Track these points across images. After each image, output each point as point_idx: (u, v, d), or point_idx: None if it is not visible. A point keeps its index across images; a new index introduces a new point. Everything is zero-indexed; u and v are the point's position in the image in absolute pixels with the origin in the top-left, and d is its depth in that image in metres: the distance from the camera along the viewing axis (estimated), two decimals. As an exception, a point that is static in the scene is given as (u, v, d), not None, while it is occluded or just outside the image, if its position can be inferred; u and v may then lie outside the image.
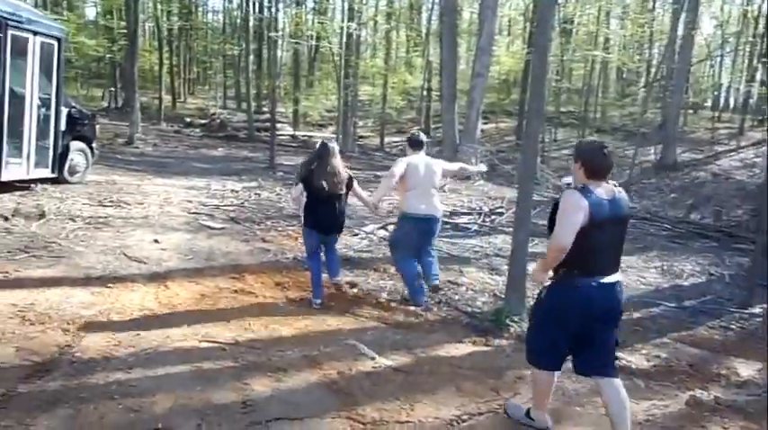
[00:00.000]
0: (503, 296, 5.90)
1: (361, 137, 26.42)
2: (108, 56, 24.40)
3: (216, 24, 39.74)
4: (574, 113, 29.19)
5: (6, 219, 6.68)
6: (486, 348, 4.60)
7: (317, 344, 4.15)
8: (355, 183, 5.19)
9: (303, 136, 27.04)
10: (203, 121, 25.40)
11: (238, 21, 34.27)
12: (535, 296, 3.27)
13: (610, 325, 3.05)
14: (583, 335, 2.99)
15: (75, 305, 4.36)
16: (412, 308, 5.22)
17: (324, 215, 4.98)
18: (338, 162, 4.99)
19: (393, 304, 5.31)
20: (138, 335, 3.95)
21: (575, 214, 2.84)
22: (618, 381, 3.03)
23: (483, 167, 9.77)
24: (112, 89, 25.77)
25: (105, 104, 25.34)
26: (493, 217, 10.59)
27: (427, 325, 4.92)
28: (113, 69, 27.59)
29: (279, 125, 21.30)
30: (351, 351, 4.13)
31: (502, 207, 11.81)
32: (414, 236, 5.29)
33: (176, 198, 9.32)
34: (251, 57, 29.62)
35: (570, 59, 28.78)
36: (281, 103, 29.28)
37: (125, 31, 18.49)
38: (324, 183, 4.85)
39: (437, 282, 5.53)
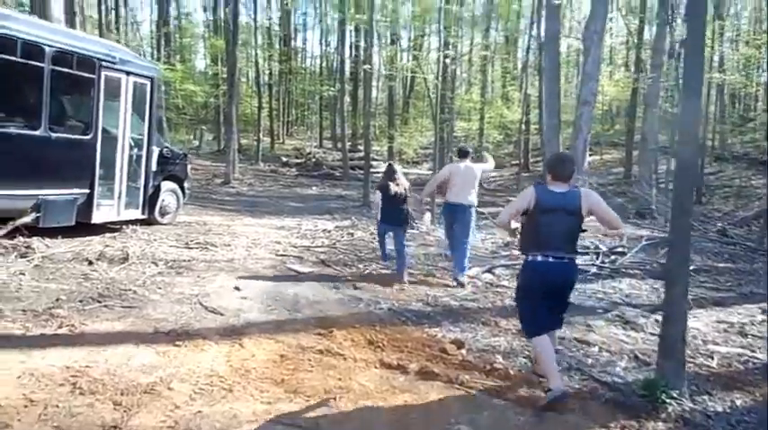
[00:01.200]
0: (647, 360, 4.71)
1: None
2: (212, 100, 25.40)
3: (313, 69, 40.97)
4: (689, 142, 26.78)
5: (90, 263, 6.35)
6: (640, 436, 3.46)
7: (419, 431, 3.20)
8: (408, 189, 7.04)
9: (398, 173, 26.60)
10: (299, 161, 25.64)
11: (334, 63, 35.03)
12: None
13: (560, 292, 3.92)
14: (547, 300, 3.84)
15: (135, 369, 3.71)
16: (535, 377, 4.15)
17: (392, 213, 6.88)
18: (400, 176, 7.05)
19: (511, 370, 4.26)
20: (200, 413, 3.19)
21: (521, 200, 3.89)
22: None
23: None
24: (204, 127, 26.68)
25: (196, 143, 26.09)
26: (613, 257, 9.23)
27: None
28: (217, 115, 28.77)
29: (374, 163, 20.90)
30: (464, 442, 3.16)
31: (622, 245, 10.38)
32: (449, 221, 7.12)
33: (265, 239, 8.83)
34: (346, 97, 30.03)
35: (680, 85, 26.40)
36: (376, 142, 29.14)
37: (226, 76, 18.97)
38: (392, 189, 6.82)
39: (462, 278, 6.87)
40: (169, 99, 26.95)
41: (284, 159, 26.07)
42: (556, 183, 3.83)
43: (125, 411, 3.15)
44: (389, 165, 7.35)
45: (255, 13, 29.74)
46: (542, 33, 19.72)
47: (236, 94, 15.96)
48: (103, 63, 7.30)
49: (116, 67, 7.53)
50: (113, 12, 28.47)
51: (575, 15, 33.15)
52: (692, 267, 6.39)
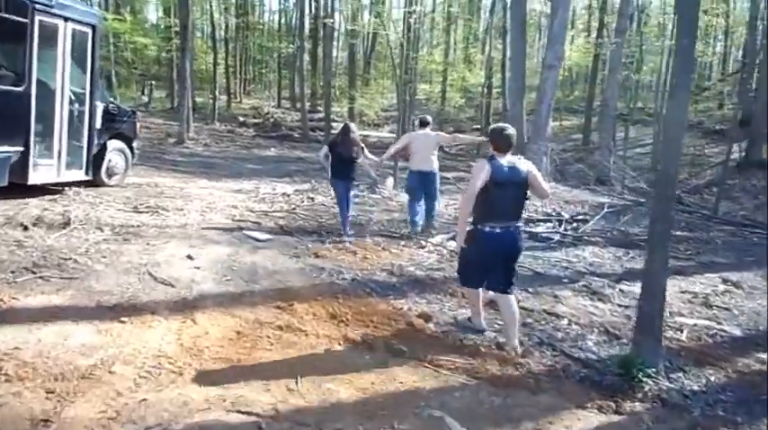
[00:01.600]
0: (617, 333, 4.62)
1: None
2: (164, 54, 24.10)
3: (272, 24, 39.44)
4: (644, 109, 27.10)
5: (26, 228, 5.82)
6: (617, 417, 3.33)
7: (388, 417, 2.97)
8: (365, 151, 7.30)
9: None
10: (257, 121, 24.78)
11: (294, 20, 33.77)
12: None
13: (511, 259, 4.15)
14: (492, 265, 4.09)
15: (73, 350, 3.34)
16: (506, 352, 3.98)
17: (341, 169, 7.06)
18: (355, 136, 7.10)
19: (482, 347, 4.08)
20: (145, 401, 2.87)
21: (477, 180, 3.92)
22: (511, 297, 4.15)
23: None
24: (154, 83, 25.38)
25: (146, 100, 24.82)
26: (575, 224, 9.18)
27: (532, 379, 3.65)
28: (170, 70, 27.38)
29: (334, 125, 20.33)
30: (436, 427, 2.94)
31: (585, 213, 10.38)
32: (416, 184, 7.59)
33: (221, 203, 8.37)
34: (305, 55, 29.05)
35: (644, 51, 26.52)
36: (337, 103, 28.44)
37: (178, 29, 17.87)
38: (343, 150, 6.98)
39: (418, 227, 7.58)
40: (118, 52, 25.56)
41: (241, 119, 25.14)
42: (501, 155, 4.00)
43: (58, 401, 2.80)
44: (345, 124, 7.60)
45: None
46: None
47: (189, 48, 15.05)
48: (37, 6, 6.58)
49: (53, 11, 6.81)
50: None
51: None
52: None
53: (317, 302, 4.59)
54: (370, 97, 27.80)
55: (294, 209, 8.55)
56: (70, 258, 4.99)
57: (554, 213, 10.03)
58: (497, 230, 3.96)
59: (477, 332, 4.35)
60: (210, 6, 28.34)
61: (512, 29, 17.55)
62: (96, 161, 7.96)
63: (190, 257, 5.42)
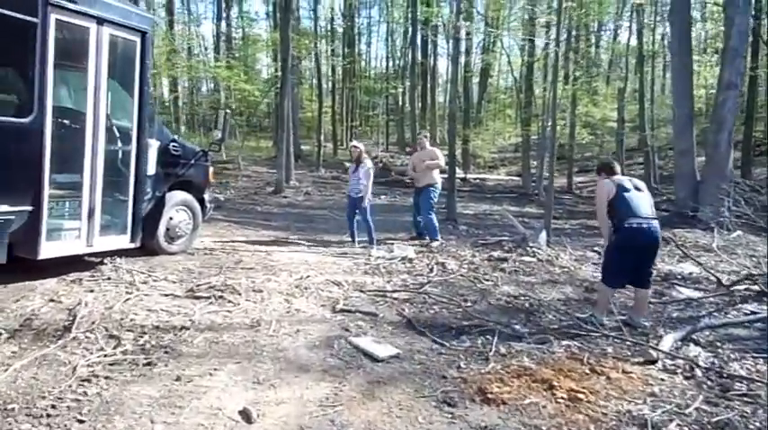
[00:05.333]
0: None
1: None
2: (269, 101, 22.93)
3: (379, 70, 38.27)
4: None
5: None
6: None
7: None
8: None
9: (475, 178, 23.33)
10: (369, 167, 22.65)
11: (402, 62, 32.23)
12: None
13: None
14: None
15: None
16: None
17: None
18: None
19: None
20: None
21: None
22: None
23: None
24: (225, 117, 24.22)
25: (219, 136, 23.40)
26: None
27: None
28: (277, 119, 26.29)
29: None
30: None
31: None
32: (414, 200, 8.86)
33: (317, 277, 5.79)
34: (417, 90, 27.21)
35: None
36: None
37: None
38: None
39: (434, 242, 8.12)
40: (228, 100, 24.88)
41: (347, 165, 23.14)
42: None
43: None
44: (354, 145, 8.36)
45: (316, 12, 27.24)
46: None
47: (288, 85, 13.21)
48: (53, 0, 4.47)
49: (78, 8, 4.68)
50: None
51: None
52: None
53: None
54: (489, 137, 25.14)
55: (422, 285, 5.79)
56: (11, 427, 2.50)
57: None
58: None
59: None
60: (316, 53, 27.22)
61: (673, 42, 14.08)
62: (149, 221, 5.70)
63: (244, 415, 2.75)
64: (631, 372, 3.67)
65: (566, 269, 7.16)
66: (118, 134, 5.19)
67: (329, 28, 31.61)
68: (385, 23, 34.84)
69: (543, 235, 8.42)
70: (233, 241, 7.56)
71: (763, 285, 5.90)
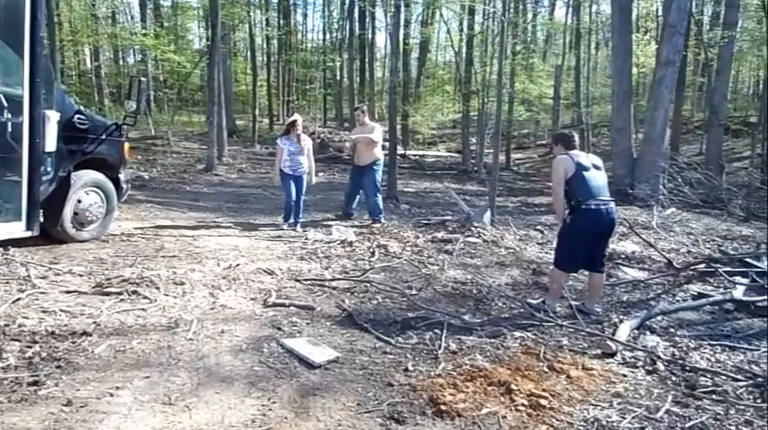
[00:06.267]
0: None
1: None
2: (200, 73, 21.66)
3: (315, 44, 37.12)
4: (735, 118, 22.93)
5: None
6: None
7: None
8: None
9: (414, 155, 23.01)
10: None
11: (339, 36, 31.37)
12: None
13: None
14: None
15: None
16: None
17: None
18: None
19: None
20: None
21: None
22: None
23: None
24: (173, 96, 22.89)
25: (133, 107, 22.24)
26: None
27: None
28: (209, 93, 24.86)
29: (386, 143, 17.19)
30: None
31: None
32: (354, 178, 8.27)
33: (248, 265, 5.24)
34: (355, 63, 26.49)
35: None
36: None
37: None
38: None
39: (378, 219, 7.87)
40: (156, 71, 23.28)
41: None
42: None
43: None
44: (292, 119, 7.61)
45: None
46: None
47: (217, 53, 12.26)
48: None
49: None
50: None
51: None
52: None
53: None
54: (429, 113, 24.84)
55: (363, 270, 5.36)
56: None
57: (719, 255, 6.51)
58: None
59: None
60: (250, 22, 25.89)
61: (615, 19, 14.04)
62: (51, 206, 4.97)
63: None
64: (592, 369, 3.38)
65: (511, 250, 6.91)
66: (5, 103, 4.41)
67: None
68: (322, -6, 33.76)
69: (488, 214, 8.16)
70: (155, 225, 6.85)
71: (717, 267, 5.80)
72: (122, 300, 4.01)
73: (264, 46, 30.53)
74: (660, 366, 3.58)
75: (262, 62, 31.61)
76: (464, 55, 23.94)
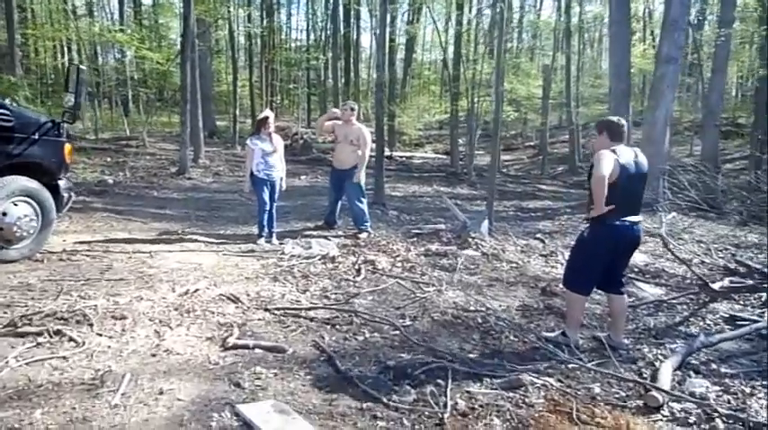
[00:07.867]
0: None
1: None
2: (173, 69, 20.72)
3: (299, 43, 36.21)
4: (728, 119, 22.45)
5: None
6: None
7: None
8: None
9: (401, 157, 22.22)
10: (285, 143, 20.94)
11: (323, 36, 30.54)
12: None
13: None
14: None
15: None
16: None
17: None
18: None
19: None
20: None
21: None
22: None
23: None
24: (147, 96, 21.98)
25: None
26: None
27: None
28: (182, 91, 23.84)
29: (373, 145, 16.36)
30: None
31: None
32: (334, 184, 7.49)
33: (208, 290, 4.38)
34: (340, 62, 25.67)
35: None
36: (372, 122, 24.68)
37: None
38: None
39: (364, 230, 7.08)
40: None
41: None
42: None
43: None
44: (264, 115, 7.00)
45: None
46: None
47: (190, 46, 11.29)
48: None
49: None
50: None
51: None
52: None
53: None
54: (416, 114, 24.11)
55: (347, 294, 4.53)
56: None
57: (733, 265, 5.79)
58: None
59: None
60: (230, 19, 24.95)
61: (611, 8, 13.37)
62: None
63: None
64: (640, 434, 2.60)
65: (513, 264, 6.13)
66: None
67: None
68: (306, -7, 32.92)
69: (485, 223, 7.36)
70: (107, 239, 5.95)
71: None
72: (39, 344, 3.15)
73: (246, 44, 29.63)
74: (720, 424, 2.84)
75: (244, 61, 30.72)
76: (453, 53, 23.26)
